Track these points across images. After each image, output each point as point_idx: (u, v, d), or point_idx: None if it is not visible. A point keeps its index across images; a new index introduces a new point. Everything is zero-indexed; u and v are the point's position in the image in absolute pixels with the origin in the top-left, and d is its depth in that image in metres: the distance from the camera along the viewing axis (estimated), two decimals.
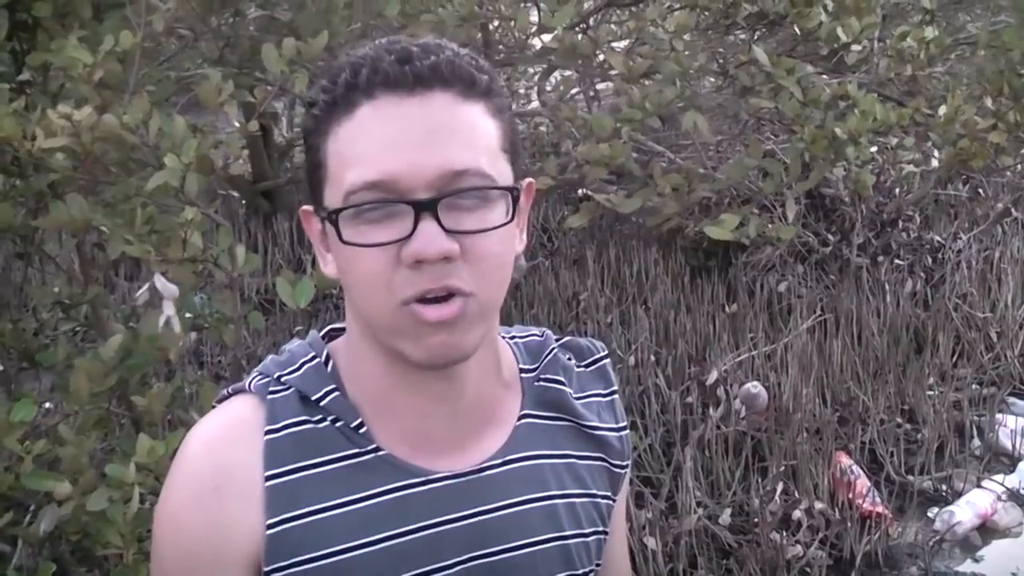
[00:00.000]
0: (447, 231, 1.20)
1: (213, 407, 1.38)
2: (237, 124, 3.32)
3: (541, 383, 1.45)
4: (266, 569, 1.28)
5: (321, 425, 1.31)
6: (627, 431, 1.53)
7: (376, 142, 1.21)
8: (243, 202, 7.69)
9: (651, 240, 7.00)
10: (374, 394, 1.33)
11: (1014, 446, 5.44)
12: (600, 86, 6.95)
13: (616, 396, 1.53)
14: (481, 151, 1.24)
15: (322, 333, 1.41)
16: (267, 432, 1.30)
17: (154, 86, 3.36)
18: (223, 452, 1.30)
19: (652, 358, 5.52)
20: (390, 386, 1.32)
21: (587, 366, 1.52)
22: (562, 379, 1.46)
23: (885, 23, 5.58)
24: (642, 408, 5.16)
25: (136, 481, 2.45)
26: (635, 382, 5.32)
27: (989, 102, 4.57)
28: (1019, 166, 6.46)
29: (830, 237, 6.80)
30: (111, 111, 2.77)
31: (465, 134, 1.23)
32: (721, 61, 5.24)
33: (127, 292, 6.08)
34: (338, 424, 1.31)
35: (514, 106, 6.39)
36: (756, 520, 4.49)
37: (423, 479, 1.32)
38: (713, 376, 5.33)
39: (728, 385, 5.34)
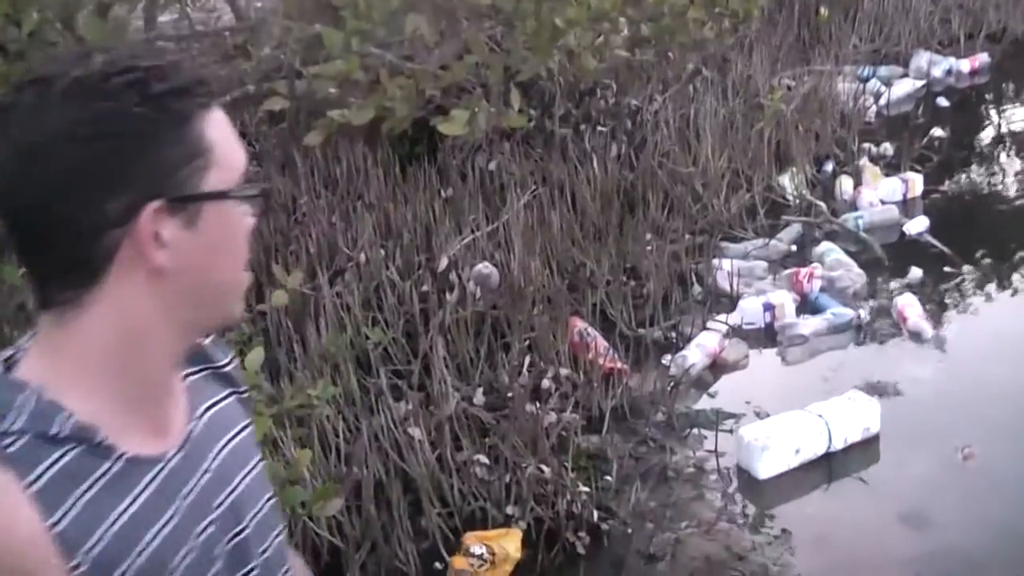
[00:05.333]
0: None
1: None
2: None
3: None
4: None
5: (68, 456, 1.27)
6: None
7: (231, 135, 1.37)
8: None
9: (355, 134, 6.95)
10: (107, 398, 1.33)
11: (732, 286, 5.77)
12: None
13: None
14: None
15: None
16: (28, 486, 1.24)
17: None
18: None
19: (381, 252, 5.55)
20: (129, 382, 1.34)
21: None
22: None
23: None
24: (379, 303, 5.20)
25: None
26: (368, 279, 5.34)
27: None
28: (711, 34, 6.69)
29: (532, 112, 6.91)
30: None
31: None
32: None
33: None
34: (80, 448, 1.28)
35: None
36: (509, 395, 4.63)
37: (162, 463, 1.37)
38: (443, 262, 5.42)
39: (459, 269, 5.44)
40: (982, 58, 9.44)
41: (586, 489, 4.18)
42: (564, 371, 4.81)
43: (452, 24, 4.25)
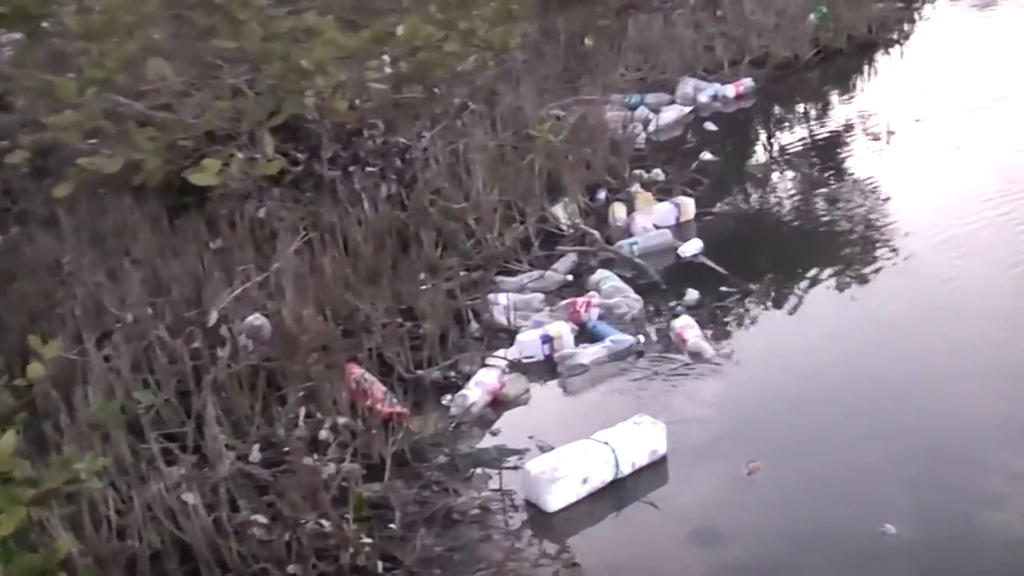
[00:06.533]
0: None
1: None
2: None
3: None
4: None
5: None
6: None
7: None
8: None
9: (121, 187, 6.72)
10: None
11: (509, 320, 5.75)
12: None
13: None
14: None
15: None
16: None
17: None
18: None
19: (149, 310, 5.34)
20: None
21: None
22: None
23: None
24: (150, 363, 4.99)
25: None
26: (137, 339, 5.12)
27: (434, 9, 4.68)
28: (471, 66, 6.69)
29: (299, 156, 6.79)
30: None
31: None
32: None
33: None
34: None
35: None
36: (286, 449, 4.49)
37: None
38: (214, 317, 5.24)
39: (230, 323, 5.27)
40: (747, 83, 9.75)
41: (369, 540, 4.06)
42: (342, 420, 4.68)
43: (203, 69, 4.11)
